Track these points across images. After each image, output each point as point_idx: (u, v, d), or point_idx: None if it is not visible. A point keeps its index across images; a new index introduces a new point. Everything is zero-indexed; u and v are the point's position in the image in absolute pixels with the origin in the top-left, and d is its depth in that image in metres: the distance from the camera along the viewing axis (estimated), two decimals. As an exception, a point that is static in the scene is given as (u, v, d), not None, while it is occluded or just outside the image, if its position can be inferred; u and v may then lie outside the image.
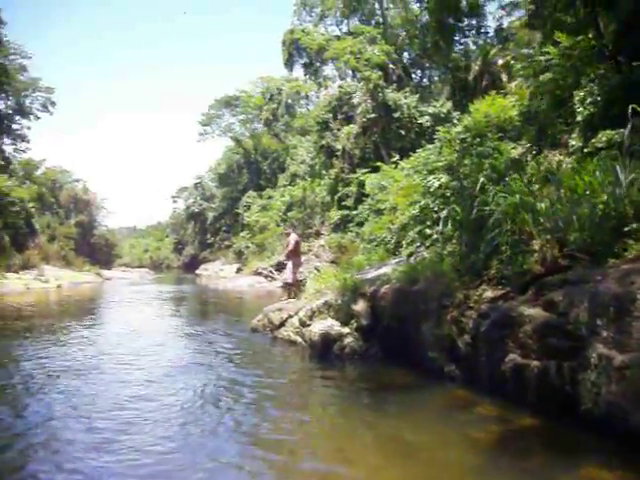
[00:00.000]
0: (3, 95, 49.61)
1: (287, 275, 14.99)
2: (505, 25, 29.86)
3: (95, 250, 71.85)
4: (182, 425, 6.55)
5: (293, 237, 15.16)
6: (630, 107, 7.79)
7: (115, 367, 9.98)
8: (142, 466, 5.40)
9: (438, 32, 28.28)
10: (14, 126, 52.56)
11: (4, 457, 5.76)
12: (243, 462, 5.55)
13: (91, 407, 7.37)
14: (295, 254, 15.01)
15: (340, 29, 40.00)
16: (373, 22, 37.74)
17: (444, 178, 10.83)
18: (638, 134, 7.61)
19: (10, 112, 51.94)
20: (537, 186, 8.56)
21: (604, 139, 10.06)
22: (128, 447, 5.88)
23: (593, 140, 10.55)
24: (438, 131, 19.14)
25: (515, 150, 14.03)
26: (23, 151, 54.31)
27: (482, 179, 8.61)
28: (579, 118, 11.87)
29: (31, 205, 45.48)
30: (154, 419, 6.81)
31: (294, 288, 15.00)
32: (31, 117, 54.12)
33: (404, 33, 36.36)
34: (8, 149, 50.90)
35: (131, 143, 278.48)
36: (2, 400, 7.94)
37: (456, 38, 31.21)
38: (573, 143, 11.84)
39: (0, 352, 11.73)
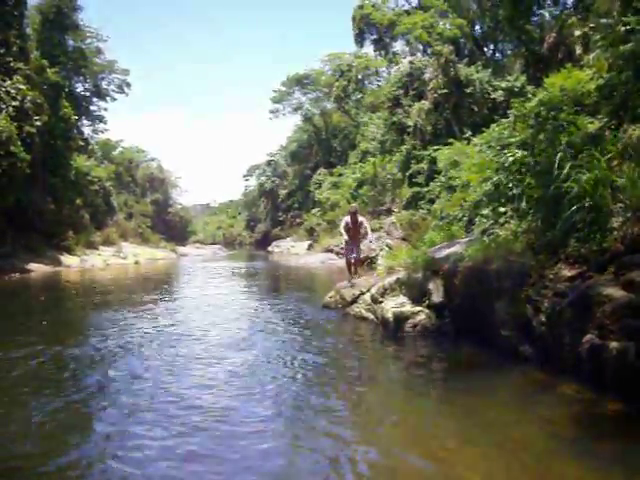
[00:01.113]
0: (81, 78, 51.08)
1: (355, 253, 15.00)
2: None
3: (170, 227, 73.74)
4: (259, 400, 6.70)
5: (362, 219, 15.14)
6: None
7: (194, 339, 10.31)
8: (223, 433, 5.57)
9: (512, 6, 27.50)
10: (92, 108, 54.28)
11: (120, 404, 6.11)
12: (311, 437, 5.64)
13: (177, 379, 7.62)
14: (358, 234, 15.00)
15: (409, 3, 39.36)
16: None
17: (519, 154, 10.61)
18: None
19: (88, 94, 53.58)
20: (616, 161, 8.31)
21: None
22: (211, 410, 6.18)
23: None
24: (512, 106, 18.73)
25: (592, 125, 13.59)
26: (101, 132, 56.17)
27: (559, 154, 8.40)
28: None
29: (109, 184, 47.01)
30: (230, 388, 7.03)
31: (357, 266, 15.11)
32: (108, 99, 55.80)
33: (475, 6, 35.56)
34: (87, 130, 52.57)
35: (205, 122, 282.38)
36: (98, 362, 8.37)
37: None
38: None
39: (92, 321, 12.61)
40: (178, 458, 5.09)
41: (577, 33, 27.66)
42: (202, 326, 11.63)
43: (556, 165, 8.27)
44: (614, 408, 5.90)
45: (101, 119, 54.96)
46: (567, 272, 7.44)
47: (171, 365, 8.38)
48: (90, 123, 54.10)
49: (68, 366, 8.43)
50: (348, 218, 14.95)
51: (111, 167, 53.94)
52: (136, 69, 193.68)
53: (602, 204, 7.29)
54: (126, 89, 57.43)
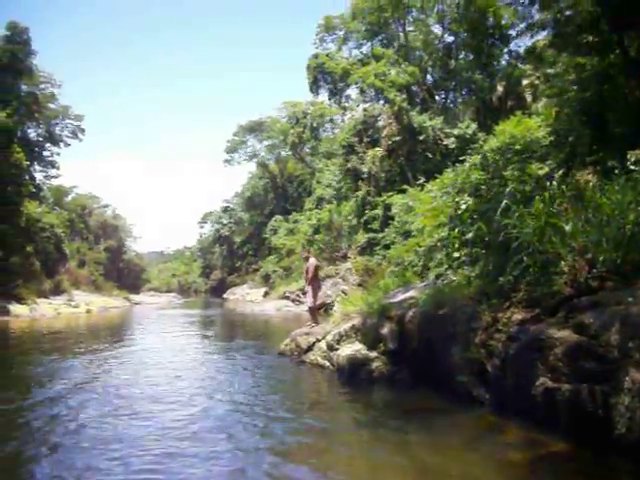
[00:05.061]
0: (34, 123, 50.56)
1: (308, 300, 15.05)
2: (531, 44, 29.79)
3: (124, 275, 72.73)
4: (213, 453, 6.53)
5: (312, 262, 15.01)
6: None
7: (149, 391, 10.02)
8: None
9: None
10: (44, 153, 53.53)
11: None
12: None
13: (135, 441, 7.38)
14: (314, 279, 14.99)
15: (361, 52, 40.18)
16: (395, 44, 37.86)
17: (471, 200, 10.77)
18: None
19: (40, 139, 52.88)
20: (565, 206, 8.48)
21: (633, 159, 9.95)
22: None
23: (623, 160, 10.45)
24: (464, 153, 19.08)
25: (542, 170, 13.91)
26: (54, 177, 55.32)
27: (505, 201, 8.54)
28: (610, 137, 11.77)
29: (61, 231, 46.00)
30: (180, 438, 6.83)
31: (315, 312, 15.01)
32: (61, 144, 55.11)
33: (426, 56, 36.49)
34: (39, 176, 51.77)
35: (159, 169, 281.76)
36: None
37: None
38: (608, 164, 11.72)
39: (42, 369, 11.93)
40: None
41: (526, 82, 28.57)
42: (157, 378, 11.34)
43: (503, 211, 8.39)
44: (568, 450, 5.92)
45: (54, 165, 54.18)
46: (519, 316, 7.50)
47: (134, 425, 8.09)
48: (42, 169, 53.31)
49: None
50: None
51: (63, 214, 52.92)
52: (92, 115, 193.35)
53: (550, 249, 7.40)
54: (80, 135, 56.91)
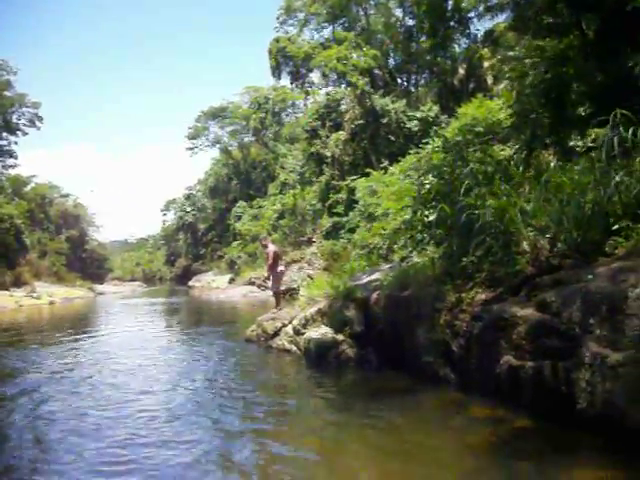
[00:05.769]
0: (-12, 112, 49.49)
1: (271, 285, 15.04)
2: (490, 27, 30.02)
3: (87, 265, 71.79)
4: (177, 443, 6.49)
5: (271, 249, 14.91)
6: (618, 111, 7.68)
7: (114, 381, 9.90)
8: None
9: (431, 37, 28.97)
10: (1, 142, 52.38)
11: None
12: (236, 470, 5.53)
13: (102, 433, 7.30)
14: (275, 265, 14.91)
15: (322, 36, 40.09)
16: (358, 27, 37.83)
17: (435, 182, 10.81)
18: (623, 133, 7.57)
19: (-4, 128, 51.75)
20: (526, 187, 8.57)
21: (591, 138, 10.10)
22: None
23: (583, 140, 10.60)
24: (427, 135, 19.16)
25: (504, 152, 14.04)
26: (11, 167, 54.16)
27: (467, 182, 8.59)
28: (569, 118, 11.91)
29: (21, 221, 45.13)
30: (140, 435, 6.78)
31: (279, 297, 14.99)
32: (18, 133, 53.91)
33: (388, 40, 36.53)
34: (-5, 166, 50.76)
35: (121, 157, 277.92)
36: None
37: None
38: (571, 143, 11.88)
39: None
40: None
41: (486, 65, 28.78)
42: (122, 368, 11.21)
43: (465, 192, 8.44)
44: (532, 426, 6.02)
45: (11, 154, 53.05)
46: (483, 296, 7.58)
47: (98, 417, 7.93)
48: (-1, 158, 52.25)
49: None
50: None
51: (22, 204, 51.75)
52: (49, 101, 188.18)
53: (512, 228, 7.49)
54: (38, 123, 55.46)
